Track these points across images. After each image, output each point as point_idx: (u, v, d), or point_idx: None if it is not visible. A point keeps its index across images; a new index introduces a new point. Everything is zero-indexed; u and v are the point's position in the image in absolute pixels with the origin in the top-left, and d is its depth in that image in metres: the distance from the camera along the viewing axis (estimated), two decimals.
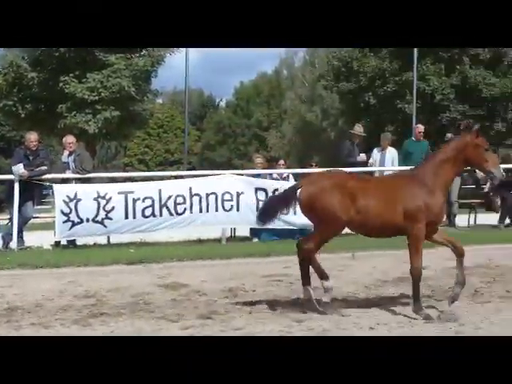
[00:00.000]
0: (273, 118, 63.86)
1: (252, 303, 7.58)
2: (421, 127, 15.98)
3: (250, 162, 20.76)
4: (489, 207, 15.44)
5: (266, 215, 7.51)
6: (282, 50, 59.99)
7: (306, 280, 7.28)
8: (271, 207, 7.47)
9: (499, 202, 14.56)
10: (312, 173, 8.59)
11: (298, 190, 7.22)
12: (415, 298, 7.09)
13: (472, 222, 14.93)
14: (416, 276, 7.11)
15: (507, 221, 14.34)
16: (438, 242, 7.51)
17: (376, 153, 15.56)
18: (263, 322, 6.68)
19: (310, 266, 7.28)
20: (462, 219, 15.07)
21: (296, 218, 11.07)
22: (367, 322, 6.67)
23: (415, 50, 20.34)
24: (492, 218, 14.48)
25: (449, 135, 9.77)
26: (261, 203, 11.83)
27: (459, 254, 7.44)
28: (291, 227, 12.25)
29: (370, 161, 14.88)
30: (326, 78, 29.49)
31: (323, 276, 7.24)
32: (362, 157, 14.78)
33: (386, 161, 15.34)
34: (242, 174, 13.54)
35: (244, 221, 12.63)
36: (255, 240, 13.06)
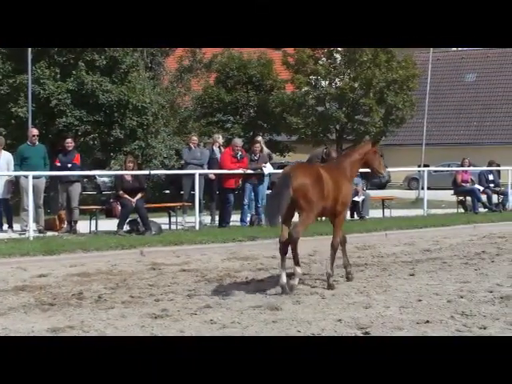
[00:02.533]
0: None
1: None
2: (34, 131, 15.62)
3: None
4: (109, 213, 15.26)
5: (274, 214, 8.18)
6: None
7: (294, 261, 8.54)
8: (278, 206, 8.06)
9: (120, 208, 14.43)
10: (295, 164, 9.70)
11: (290, 181, 8.10)
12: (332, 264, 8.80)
13: (94, 228, 14.61)
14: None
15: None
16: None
17: None
18: None
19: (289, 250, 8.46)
20: (84, 225, 14.84)
21: None
22: None
23: (29, 52, 19.57)
24: (112, 224, 14.36)
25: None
26: None
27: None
28: None
29: None
30: None
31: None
32: None
33: (1, 165, 14.77)
34: None
35: None
36: None
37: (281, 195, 8.10)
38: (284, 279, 8.25)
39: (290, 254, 8.53)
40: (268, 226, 8.76)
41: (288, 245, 8.37)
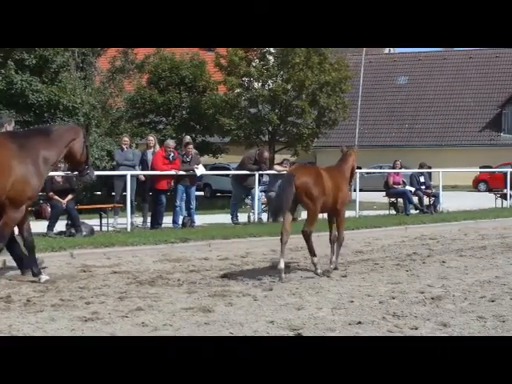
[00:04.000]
0: None
1: None
2: None
3: None
4: (38, 215, 14.91)
5: (278, 212, 9.38)
6: None
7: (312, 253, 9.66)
8: (283, 202, 9.15)
9: (49, 210, 14.12)
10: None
11: (294, 180, 9.12)
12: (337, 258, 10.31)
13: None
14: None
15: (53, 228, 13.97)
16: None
17: None
18: None
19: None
20: None
21: None
22: None
23: None
24: (42, 226, 14.05)
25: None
26: None
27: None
28: None
29: None
30: None
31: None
32: None
33: None
34: None
35: None
36: None
37: (284, 194, 9.17)
38: (282, 265, 9.14)
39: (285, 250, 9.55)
40: (271, 221, 10.08)
41: (288, 235, 9.22)
